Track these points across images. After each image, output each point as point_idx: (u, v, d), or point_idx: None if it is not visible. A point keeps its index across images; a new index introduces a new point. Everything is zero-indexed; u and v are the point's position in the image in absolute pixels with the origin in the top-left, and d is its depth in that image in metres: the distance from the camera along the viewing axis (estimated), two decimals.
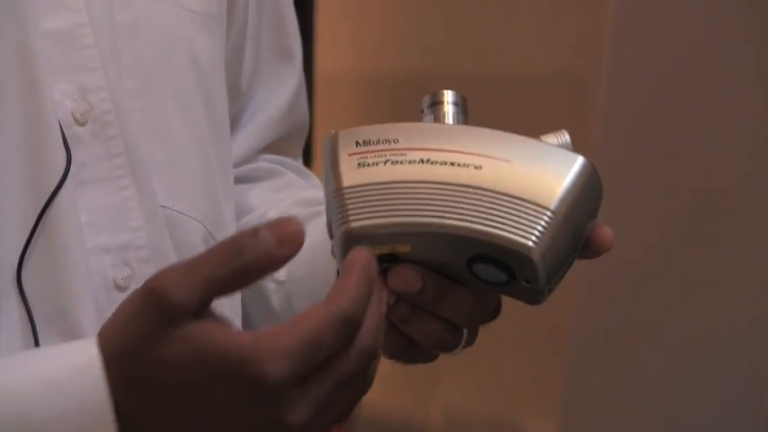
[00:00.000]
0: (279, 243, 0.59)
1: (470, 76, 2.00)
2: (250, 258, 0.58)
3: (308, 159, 1.03)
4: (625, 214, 1.79)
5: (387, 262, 0.68)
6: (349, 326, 0.59)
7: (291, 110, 0.97)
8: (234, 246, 0.59)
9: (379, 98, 2.18)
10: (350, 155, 0.68)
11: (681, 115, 1.80)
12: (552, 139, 0.70)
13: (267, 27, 0.95)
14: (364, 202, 0.67)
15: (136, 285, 0.78)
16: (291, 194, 0.93)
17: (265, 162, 0.96)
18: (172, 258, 0.80)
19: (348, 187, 0.67)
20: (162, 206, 0.81)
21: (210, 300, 0.59)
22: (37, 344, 0.74)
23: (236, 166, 0.94)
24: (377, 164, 0.68)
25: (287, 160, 0.98)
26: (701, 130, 1.81)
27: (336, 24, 2.21)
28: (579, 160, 0.68)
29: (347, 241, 0.67)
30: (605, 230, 0.69)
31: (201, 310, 0.59)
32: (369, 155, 0.68)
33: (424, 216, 0.66)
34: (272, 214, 0.91)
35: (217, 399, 0.58)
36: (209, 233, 0.84)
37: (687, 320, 1.86)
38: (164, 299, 0.58)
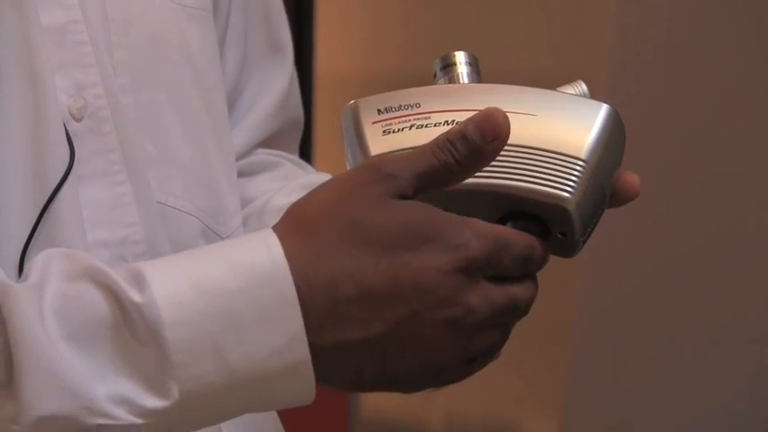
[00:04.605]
0: (484, 141, 0.64)
1: None
2: (461, 156, 0.64)
3: (308, 158, 1.03)
4: (626, 213, 1.79)
5: None
6: (529, 261, 0.65)
7: (285, 103, 0.97)
8: (444, 144, 0.64)
9: None
10: (373, 123, 0.68)
11: (681, 116, 1.80)
12: (570, 89, 0.70)
13: (255, 21, 0.94)
14: None
15: None
16: (292, 181, 0.93)
17: (262, 155, 0.96)
18: (167, 253, 0.80)
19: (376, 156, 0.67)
20: (157, 202, 0.81)
21: (423, 191, 0.64)
22: None
23: None
24: (402, 129, 0.68)
25: (283, 153, 0.98)
26: (701, 130, 1.81)
27: (336, 24, 2.21)
28: (604, 108, 0.68)
29: None
30: (632, 176, 0.69)
31: (415, 197, 0.64)
32: (393, 121, 0.68)
33: None
34: (276, 201, 0.90)
35: (424, 259, 0.63)
36: (209, 227, 0.84)
37: (689, 320, 1.86)
38: (389, 177, 0.64)
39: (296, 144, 1.00)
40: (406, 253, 0.63)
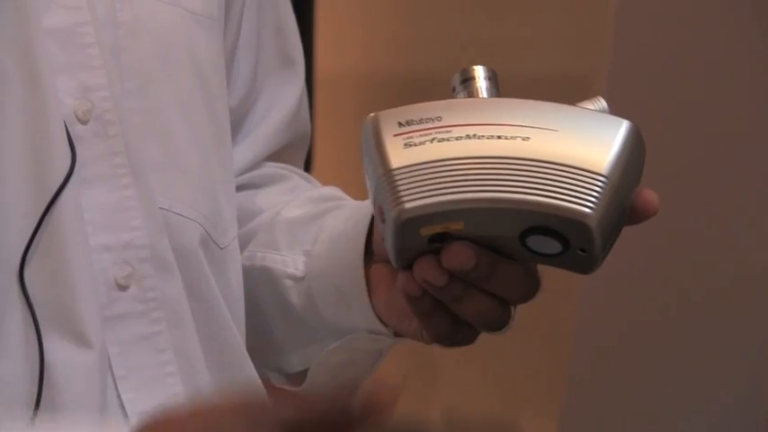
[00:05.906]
0: (365, 410, 0.56)
1: None
2: (326, 411, 0.55)
3: (308, 158, 1.02)
4: None
5: (438, 241, 0.68)
6: None
7: (295, 118, 0.96)
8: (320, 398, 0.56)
9: (379, 99, 2.18)
10: (395, 136, 0.68)
11: (681, 116, 1.80)
12: (590, 105, 0.70)
13: (268, 35, 0.94)
14: (415, 182, 0.67)
15: (136, 284, 0.78)
16: (301, 194, 0.93)
17: (271, 168, 0.96)
18: (170, 259, 0.80)
19: (397, 168, 0.67)
20: (160, 207, 0.80)
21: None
22: (40, 342, 0.74)
23: (240, 174, 0.94)
24: (423, 143, 0.67)
25: (291, 167, 0.98)
26: (701, 130, 1.81)
27: (336, 24, 2.21)
28: (625, 124, 0.68)
29: (401, 223, 0.66)
30: (650, 194, 0.68)
31: None
32: (414, 134, 0.68)
33: (478, 192, 0.66)
34: (285, 213, 0.90)
35: None
36: (208, 234, 0.84)
37: (688, 321, 1.86)
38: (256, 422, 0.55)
39: (302, 158, 1.00)
40: None
